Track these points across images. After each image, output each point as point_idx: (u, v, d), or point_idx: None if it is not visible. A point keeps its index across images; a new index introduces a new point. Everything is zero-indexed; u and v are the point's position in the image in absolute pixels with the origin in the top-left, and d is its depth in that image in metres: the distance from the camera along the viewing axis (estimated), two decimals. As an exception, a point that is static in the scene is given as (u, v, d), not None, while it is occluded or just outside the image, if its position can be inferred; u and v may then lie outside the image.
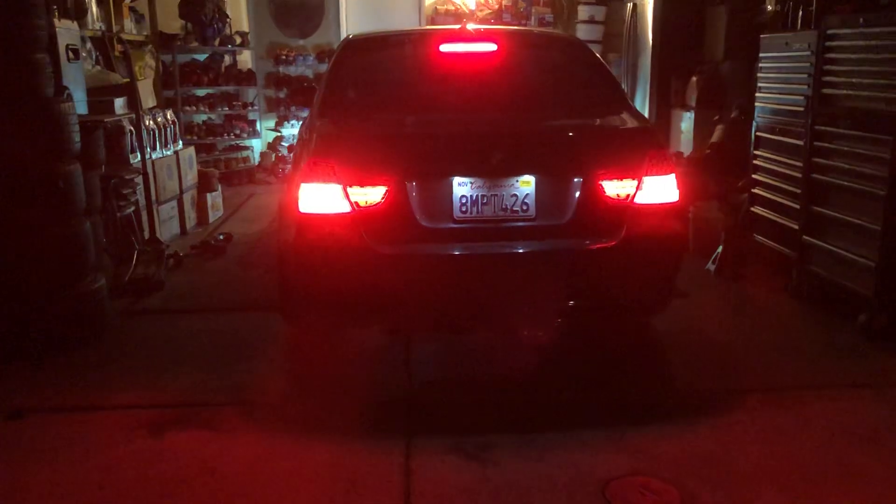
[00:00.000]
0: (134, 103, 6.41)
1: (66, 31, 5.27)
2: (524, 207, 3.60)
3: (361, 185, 3.53)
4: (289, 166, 9.73)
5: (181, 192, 7.24)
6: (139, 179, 6.12)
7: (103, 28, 7.49)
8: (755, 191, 5.64)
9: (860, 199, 4.40)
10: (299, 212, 3.60)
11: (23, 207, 4.17)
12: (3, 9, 4.00)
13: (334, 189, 3.52)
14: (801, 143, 4.96)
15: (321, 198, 3.55)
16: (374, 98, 4.23)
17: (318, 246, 3.58)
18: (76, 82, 5.27)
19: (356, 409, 3.64)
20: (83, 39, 6.36)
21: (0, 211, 4.10)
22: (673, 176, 3.72)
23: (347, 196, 3.53)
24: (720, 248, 5.75)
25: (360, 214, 3.54)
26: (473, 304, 3.68)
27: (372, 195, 3.54)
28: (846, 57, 4.53)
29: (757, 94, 5.60)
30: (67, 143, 4.38)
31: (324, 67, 10.17)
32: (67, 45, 5.26)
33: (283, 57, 10.35)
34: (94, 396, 3.78)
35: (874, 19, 4.28)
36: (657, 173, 3.66)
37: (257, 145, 10.48)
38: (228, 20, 9.71)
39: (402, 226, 3.55)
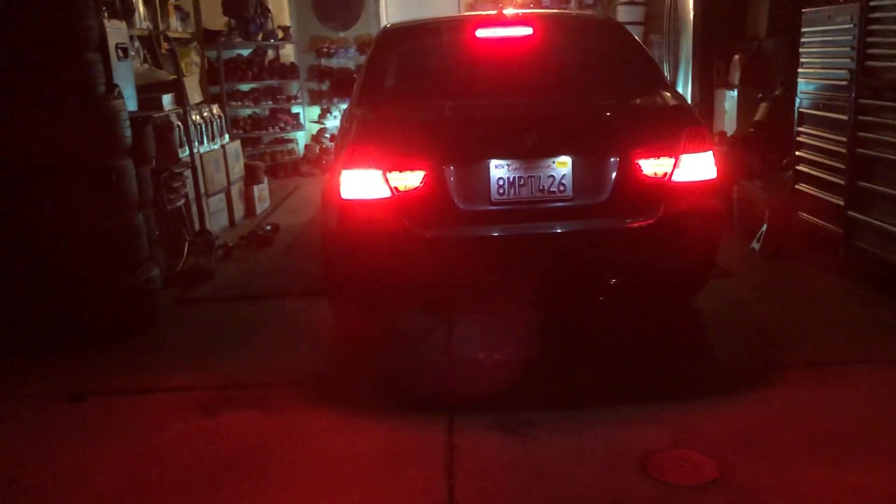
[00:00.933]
0: (181, 99, 6.60)
1: (115, 31, 5.46)
2: (561, 188, 3.65)
3: (401, 171, 3.62)
4: (332, 157, 9.92)
5: (229, 184, 7.43)
6: (188, 173, 6.31)
7: (150, 27, 7.70)
8: (799, 168, 5.57)
9: (906, 172, 4.34)
10: (341, 198, 3.71)
11: (78, 201, 4.34)
12: (56, 11, 4.17)
13: (374, 175, 3.62)
14: (844, 117, 4.89)
15: (362, 184, 3.65)
16: (411, 85, 4.32)
17: (359, 231, 3.69)
18: (126, 80, 5.45)
19: (400, 389, 3.75)
20: (131, 38, 6.57)
21: (56, 204, 4.28)
22: (710, 153, 3.72)
23: (387, 181, 3.62)
24: (764, 227, 5.71)
25: (400, 199, 3.63)
26: (513, 285, 3.74)
27: (411, 180, 3.63)
28: (889, 28, 4.46)
29: (800, 70, 5.53)
30: (119, 139, 4.56)
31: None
32: (117, 44, 5.45)
33: (325, 49, 10.50)
34: (149, 380, 3.95)
35: (918, -12, 4.20)
36: (694, 151, 3.67)
37: (302, 138, 10.65)
38: (270, 15, 9.89)
39: (440, 209, 3.64)
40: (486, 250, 3.69)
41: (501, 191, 3.64)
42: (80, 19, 4.30)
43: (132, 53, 6.19)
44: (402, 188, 3.63)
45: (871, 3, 4.56)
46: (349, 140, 3.80)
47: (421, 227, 3.62)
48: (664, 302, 4.40)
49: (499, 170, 3.63)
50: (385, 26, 4.91)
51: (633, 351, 4.08)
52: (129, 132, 4.65)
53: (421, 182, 3.62)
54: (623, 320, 4.47)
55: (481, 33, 4.31)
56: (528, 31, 4.30)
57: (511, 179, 3.63)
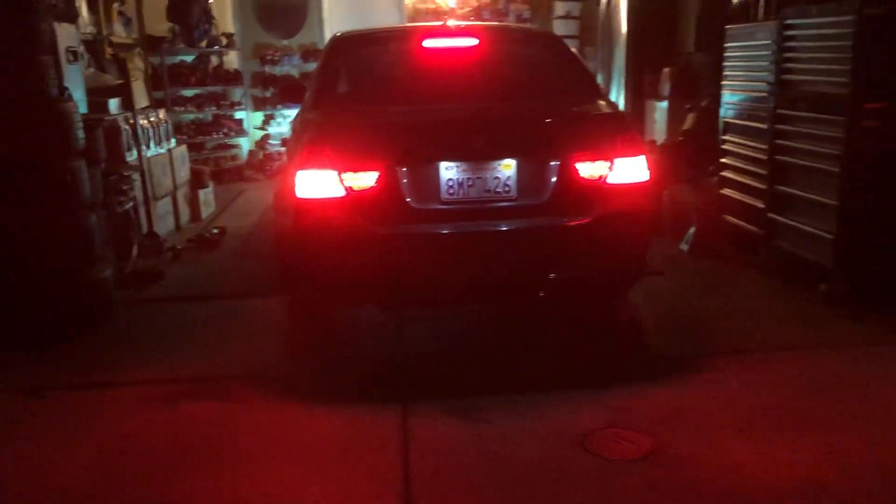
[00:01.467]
0: (129, 103, 6.64)
1: (65, 34, 5.50)
2: (506, 189, 3.90)
3: (355, 171, 3.81)
4: (277, 163, 10.01)
5: (175, 188, 7.47)
6: (136, 176, 6.36)
7: (94, 31, 7.70)
8: (724, 174, 5.96)
9: (818, 176, 4.72)
10: (297, 197, 3.87)
11: (33, 200, 4.41)
12: (9, 13, 4.24)
13: (329, 175, 3.80)
14: (765, 126, 5.28)
15: (317, 183, 3.82)
16: (363, 91, 4.51)
17: (315, 228, 3.85)
18: (76, 83, 5.50)
19: (356, 380, 3.94)
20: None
21: (12, 203, 4.33)
22: (643, 157, 4.02)
23: (342, 181, 3.80)
24: (692, 229, 6.08)
25: (354, 198, 3.82)
26: (461, 279, 3.96)
27: (365, 180, 3.82)
28: (803, 45, 4.86)
29: (724, 83, 5.92)
30: (72, 140, 4.62)
31: (309, 66, 10.43)
32: (67, 48, 5.49)
33: (269, 57, 10.60)
34: (108, 374, 4.04)
35: (826, 10, 4.61)
36: (628, 155, 3.96)
37: (245, 143, 10.71)
38: (214, 22, 9.93)
39: (393, 208, 3.83)
40: (437, 246, 3.91)
41: (451, 191, 3.86)
42: (33, 21, 4.38)
43: (81, 57, 6.20)
44: (356, 188, 3.81)
45: (787, 22, 4.96)
46: (304, 142, 3.97)
47: (375, 224, 3.81)
48: (601, 296, 4.69)
49: (448, 171, 3.85)
50: (336, 34, 5.08)
51: (572, 341, 4.36)
52: (82, 134, 4.72)
53: (375, 182, 3.81)
54: (565, 313, 4.74)
55: (429, 43, 4.53)
56: (474, 41, 4.54)
57: (460, 180, 3.86)
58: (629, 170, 3.97)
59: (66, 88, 5.01)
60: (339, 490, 2.94)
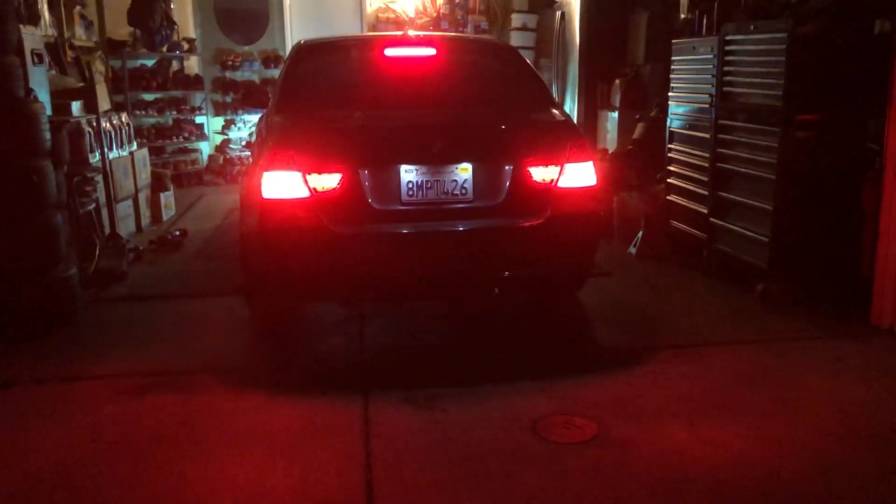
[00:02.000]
0: (93, 106, 6.72)
1: (30, 36, 5.58)
2: (463, 191, 4.12)
3: (319, 173, 3.99)
4: (237, 167, 10.10)
5: (136, 191, 7.54)
6: (99, 178, 6.43)
7: (55, 34, 7.74)
8: (670, 181, 6.26)
9: (756, 183, 5.03)
10: (262, 198, 4.04)
11: (1, 199, 4.49)
12: (-21, 16, 4.33)
13: (294, 176, 3.97)
14: (707, 136, 5.58)
15: (282, 184, 4.00)
16: (326, 96, 4.68)
17: (280, 228, 4.03)
18: (41, 85, 5.58)
19: (317, 373, 4.11)
20: (39, 45, 6.63)
21: (-21, 203, 4.42)
22: (591, 163, 4.28)
23: (306, 182, 3.98)
24: (640, 234, 6.37)
25: (318, 199, 4.00)
26: (420, 277, 4.17)
27: (328, 181, 4.01)
28: (741, 59, 5.17)
29: (670, 94, 6.23)
30: (39, 141, 4.72)
31: (270, 72, 10.57)
32: (32, 50, 5.57)
33: (230, 62, 10.70)
34: (74, 369, 4.15)
35: (762, 27, 4.92)
36: (577, 160, 4.21)
37: (206, 148, 10.78)
38: (176, 27, 10.00)
39: (355, 208, 4.03)
40: (397, 245, 4.11)
41: (411, 192, 4.07)
42: (1, 24, 4.48)
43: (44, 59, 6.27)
44: (320, 189, 4.00)
45: (727, 38, 5.27)
46: (270, 144, 4.15)
47: (338, 224, 4.00)
48: (552, 293, 4.93)
49: (408, 174, 4.06)
50: (300, 41, 5.26)
51: (525, 336, 4.60)
52: (48, 135, 4.82)
53: (338, 183, 4.00)
54: (517, 310, 4.98)
55: (390, 52, 4.74)
56: (432, 51, 4.76)
57: (419, 182, 4.07)
58: (578, 174, 4.23)
59: (32, 90, 5.10)
60: (301, 473, 3.10)
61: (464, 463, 3.16)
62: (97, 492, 3.00)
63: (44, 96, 5.65)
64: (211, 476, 3.10)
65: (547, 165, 4.17)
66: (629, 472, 3.09)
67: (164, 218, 8.08)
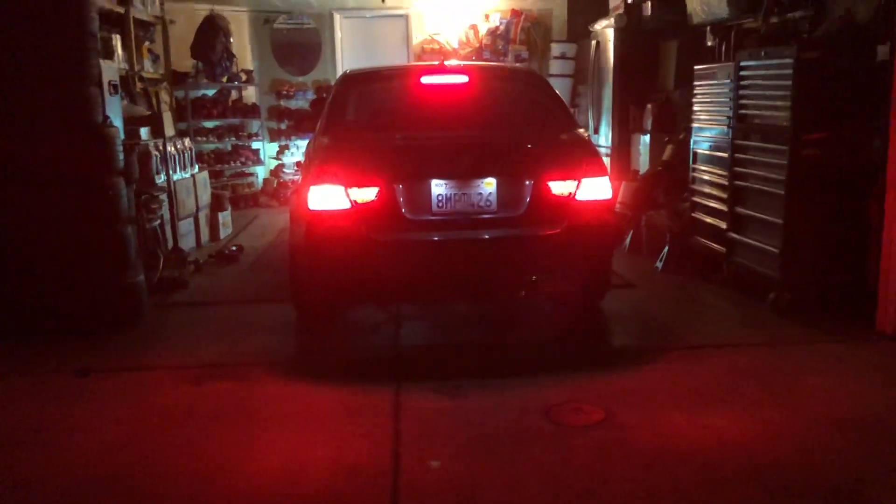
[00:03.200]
0: (160, 131, 7.37)
1: (107, 69, 6.22)
2: (488, 203, 4.55)
3: (359, 187, 4.48)
4: (290, 190, 10.71)
5: (197, 210, 8.16)
6: (164, 197, 7.05)
7: (126, 67, 8.47)
8: (694, 199, 6.60)
9: (768, 198, 5.35)
10: (309, 209, 4.54)
11: (80, 211, 5.09)
12: (69, 51, 4.96)
13: (338, 190, 4.47)
14: (725, 155, 5.92)
15: (327, 197, 4.50)
16: (367, 119, 5.20)
17: (325, 235, 4.52)
18: (115, 112, 6.20)
19: (355, 366, 4.57)
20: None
21: (64, 214, 5.01)
22: (606, 178, 4.68)
23: (348, 195, 4.47)
24: (666, 249, 6.70)
25: (358, 210, 4.48)
26: (448, 280, 4.61)
27: (367, 194, 4.49)
28: (754, 83, 5.52)
29: (693, 117, 6.59)
30: (114, 161, 5.31)
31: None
32: (109, 81, 6.22)
33: (284, 92, 11.37)
34: (142, 360, 4.68)
35: (771, 53, 5.28)
36: (593, 175, 4.62)
37: (261, 172, 11.43)
38: (235, 59, 10.71)
39: (391, 218, 4.50)
40: (428, 251, 4.56)
41: (440, 204, 4.52)
42: (87, 59, 5.10)
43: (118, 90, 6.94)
44: (360, 201, 4.48)
45: (741, 64, 5.63)
46: (316, 162, 4.66)
47: (375, 232, 4.47)
48: (574, 302, 5.31)
49: (438, 187, 4.52)
50: (345, 71, 5.80)
51: (545, 337, 5.01)
52: (122, 155, 5.42)
53: (375, 196, 4.48)
54: (540, 315, 5.38)
55: (426, 80, 5.22)
56: (464, 78, 5.24)
57: (448, 195, 4.52)
58: (594, 188, 4.63)
59: (108, 117, 5.71)
60: (338, 444, 3.54)
61: (481, 440, 3.56)
62: (162, 453, 3.49)
63: (117, 122, 6.27)
64: (260, 446, 3.55)
65: (565, 180, 4.58)
66: (629, 450, 3.45)
67: (222, 235, 8.68)
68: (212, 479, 3.27)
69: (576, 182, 4.58)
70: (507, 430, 3.66)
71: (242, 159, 11.05)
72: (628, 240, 7.29)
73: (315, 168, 4.60)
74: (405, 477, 3.25)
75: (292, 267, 5.03)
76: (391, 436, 3.62)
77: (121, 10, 8.46)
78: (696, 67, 6.55)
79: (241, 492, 3.17)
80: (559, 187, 4.58)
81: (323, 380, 4.35)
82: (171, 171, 7.39)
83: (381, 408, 3.94)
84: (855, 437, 3.53)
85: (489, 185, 4.54)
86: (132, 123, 7.38)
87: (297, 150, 11.39)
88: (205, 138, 10.57)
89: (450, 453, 3.45)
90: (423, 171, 4.55)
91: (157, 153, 7.24)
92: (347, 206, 4.47)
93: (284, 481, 3.25)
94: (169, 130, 7.95)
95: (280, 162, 11.46)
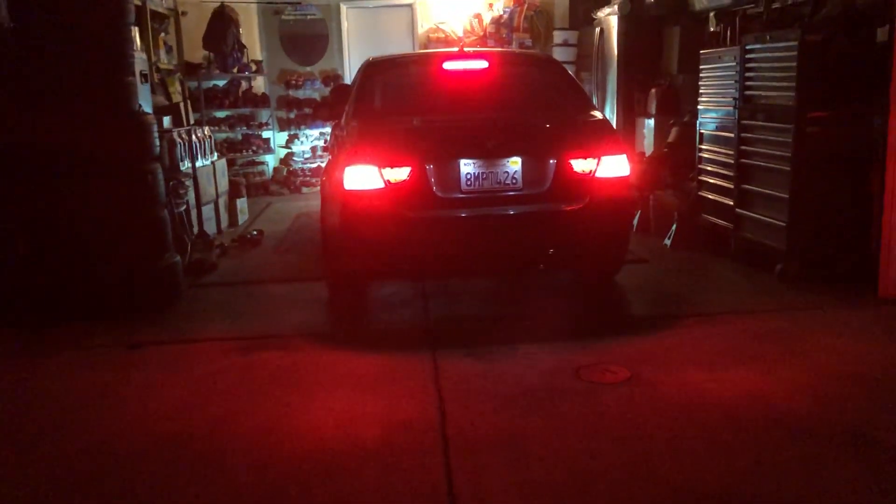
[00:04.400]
0: (181, 120, 7.62)
1: (138, 60, 6.46)
2: (513, 181, 4.83)
3: (392, 167, 4.74)
4: (301, 178, 10.96)
5: (217, 196, 8.41)
6: (190, 182, 7.30)
7: (144, 58, 8.69)
8: (701, 178, 6.88)
9: (774, 175, 5.64)
10: (344, 189, 4.81)
11: (121, 196, 5.33)
12: (111, 41, 5.20)
13: (372, 170, 4.73)
14: (732, 135, 6.21)
15: (362, 177, 4.76)
16: (394, 104, 5.45)
17: (360, 213, 4.79)
18: (146, 101, 6.46)
19: (391, 336, 4.86)
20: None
21: (106, 199, 5.26)
22: (624, 156, 4.96)
23: (381, 175, 4.74)
24: (674, 227, 6.99)
25: (392, 189, 4.75)
26: (477, 253, 4.89)
27: (400, 174, 4.75)
28: (759, 66, 5.80)
29: (699, 100, 6.87)
30: (152, 147, 5.57)
31: (329, 90, 11.40)
32: (140, 71, 6.46)
33: (293, 82, 11.61)
34: (187, 334, 4.95)
35: (776, 37, 5.56)
36: (612, 153, 4.90)
37: (271, 160, 11.68)
38: (245, 50, 10.95)
39: (422, 196, 4.77)
40: (458, 227, 4.84)
41: (469, 182, 4.79)
42: (126, 49, 5.35)
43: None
44: (393, 181, 4.74)
45: (747, 47, 5.91)
46: (350, 144, 4.92)
47: (407, 210, 4.74)
48: (592, 274, 5.60)
49: (467, 167, 4.79)
50: (369, 58, 6.05)
51: (568, 308, 5.29)
52: (158, 142, 5.67)
53: (408, 176, 4.75)
54: (561, 289, 5.66)
55: (448, 65, 5.48)
56: (485, 64, 5.50)
57: (476, 174, 4.79)
58: (613, 166, 4.91)
59: (141, 105, 5.97)
60: (386, 403, 3.83)
61: (518, 396, 3.85)
62: (221, 415, 3.75)
63: (148, 111, 6.53)
64: (313, 407, 3.83)
65: (586, 158, 4.86)
66: (656, 403, 3.74)
67: (240, 221, 8.94)
68: (272, 434, 3.54)
69: (596, 160, 4.86)
70: (541, 388, 3.94)
71: (253, 148, 11.30)
72: (636, 219, 7.58)
73: (350, 149, 4.86)
74: (452, 429, 3.53)
75: (325, 245, 5.30)
76: (434, 394, 3.90)
77: (139, 2, 8.68)
78: (702, 52, 6.82)
79: (302, 445, 3.44)
80: (580, 165, 4.85)
81: (362, 348, 4.62)
82: (194, 159, 7.63)
83: (420, 370, 4.22)
84: (864, 388, 3.83)
85: (515, 164, 4.81)
86: (155, 113, 7.62)
87: (307, 139, 11.65)
88: (217, 128, 10.80)
89: (492, 408, 3.73)
90: (452, 151, 4.81)
91: (180, 141, 7.48)
92: (381, 185, 4.73)
93: (341, 437, 3.51)
94: (189, 120, 8.19)
95: (290, 150, 11.70)
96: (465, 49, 5.75)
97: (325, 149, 11.24)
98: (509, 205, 4.85)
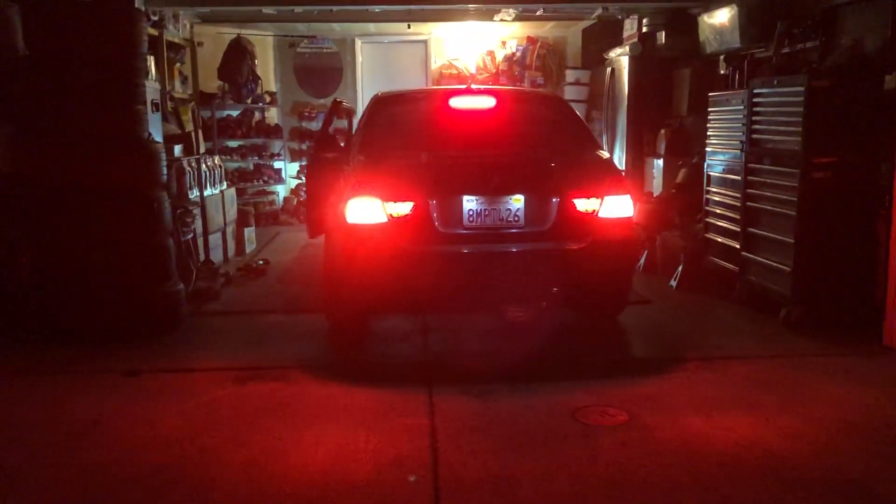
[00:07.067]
0: (192, 148, 7.69)
1: (149, 89, 6.56)
2: (516, 218, 4.83)
3: (395, 201, 4.75)
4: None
5: (225, 225, 8.45)
6: (197, 211, 7.34)
7: (159, 87, 8.81)
8: (708, 220, 6.86)
9: (780, 219, 5.61)
10: (347, 222, 4.82)
11: (126, 222, 5.37)
12: (121, 72, 5.28)
13: (375, 203, 4.74)
14: (738, 178, 6.19)
15: (364, 211, 4.77)
16: (400, 139, 5.48)
17: (362, 247, 4.79)
18: (156, 129, 6.54)
19: (388, 370, 4.83)
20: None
21: (111, 224, 5.29)
22: (628, 196, 4.95)
23: (384, 209, 4.74)
24: (680, 268, 6.96)
25: (394, 223, 4.75)
26: (478, 290, 4.87)
27: (402, 209, 4.76)
28: (766, 110, 5.81)
29: (707, 142, 6.88)
30: (159, 175, 5.62)
31: (341, 123, 11.49)
32: (151, 100, 6.55)
33: (306, 113, 11.72)
34: (186, 363, 4.94)
35: (783, 81, 5.57)
36: (615, 193, 4.89)
37: (282, 190, 11.75)
38: (260, 81, 11.07)
39: (425, 231, 4.77)
40: (460, 263, 4.83)
41: (471, 219, 4.79)
42: (136, 79, 5.42)
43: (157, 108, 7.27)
44: (395, 215, 4.75)
45: (755, 91, 5.92)
46: (354, 178, 4.93)
47: (409, 244, 4.74)
48: (595, 314, 5.56)
49: (469, 203, 4.79)
50: (377, 93, 6.10)
51: (569, 347, 5.24)
52: (165, 170, 5.72)
53: (410, 210, 4.75)
54: (563, 328, 5.62)
55: (455, 101, 5.52)
56: (491, 100, 5.53)
57: (479, 210, 4.80)
58: (616, 206, 4.90)
59: (151, 133, 6.03)
60: (379, 438, 3.79)
61: (512, 437, 3.80)
62: (213, 446, 3.73)
63: (158, 139, 6.60)
64: (305, 441, 3.79)
65: (589, 197, 4.85)
66: (652, 448, 3.69)
67: (247, 250, 8.96)
68: (262, 468, 3.51)
69: (599, 199, 4.85)
70: (536, 429, 3.90)
71: (265, 178, 11.36)
72: (643, 259, 7.55)
73: (353, 182, 4.88)
74: (444, 469, 3.48)
75: (327, 277, 5.29)
76: (428, 432, 3.86)
77: (155, 32, 8.81)
78: (710, 94, 6.84)
79: (291, 480, 3.40)
80: (584, 204, 4.85)
81: (359, 382, 4.59)
82: (203, 187, 7.68)
83: (415, 407, 4.18)
84: (865, 440, 3.76)
85: (517, 202, 4.81)
86: (166, 141, 7.71)
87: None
88: (229, 157, 10.88)
89: (484, 448, 3.69)
90: (456, 187, 4.82)
91: (189, 169, 7.54)
92: (384, 219, 4.74)
93: (331, 471, 3.48)
94: (199, 149, 8.27)
95: (300, 181, 11.76)
96: (473, 86, 5.78)
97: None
98: (511, 242, 4.84)
